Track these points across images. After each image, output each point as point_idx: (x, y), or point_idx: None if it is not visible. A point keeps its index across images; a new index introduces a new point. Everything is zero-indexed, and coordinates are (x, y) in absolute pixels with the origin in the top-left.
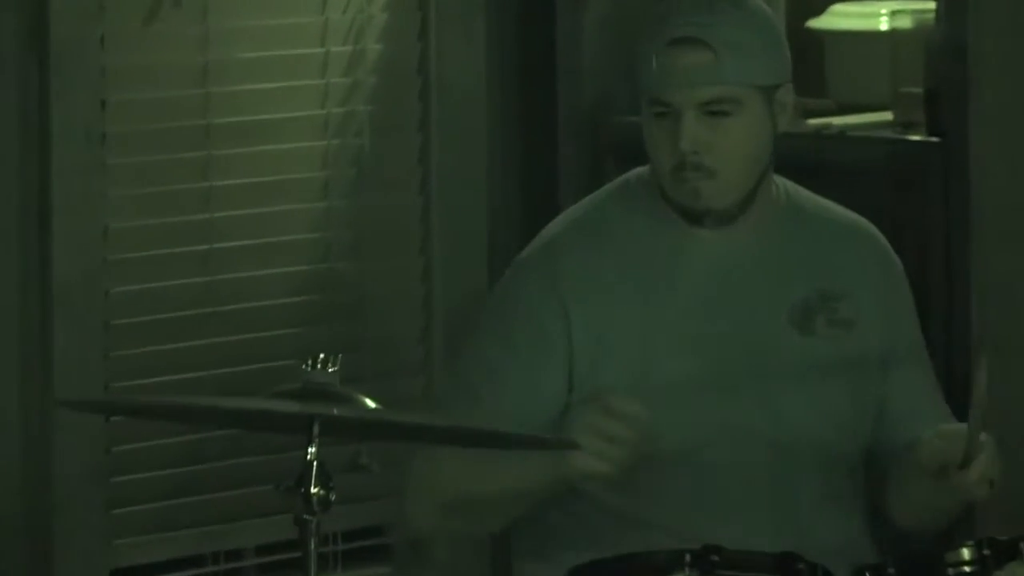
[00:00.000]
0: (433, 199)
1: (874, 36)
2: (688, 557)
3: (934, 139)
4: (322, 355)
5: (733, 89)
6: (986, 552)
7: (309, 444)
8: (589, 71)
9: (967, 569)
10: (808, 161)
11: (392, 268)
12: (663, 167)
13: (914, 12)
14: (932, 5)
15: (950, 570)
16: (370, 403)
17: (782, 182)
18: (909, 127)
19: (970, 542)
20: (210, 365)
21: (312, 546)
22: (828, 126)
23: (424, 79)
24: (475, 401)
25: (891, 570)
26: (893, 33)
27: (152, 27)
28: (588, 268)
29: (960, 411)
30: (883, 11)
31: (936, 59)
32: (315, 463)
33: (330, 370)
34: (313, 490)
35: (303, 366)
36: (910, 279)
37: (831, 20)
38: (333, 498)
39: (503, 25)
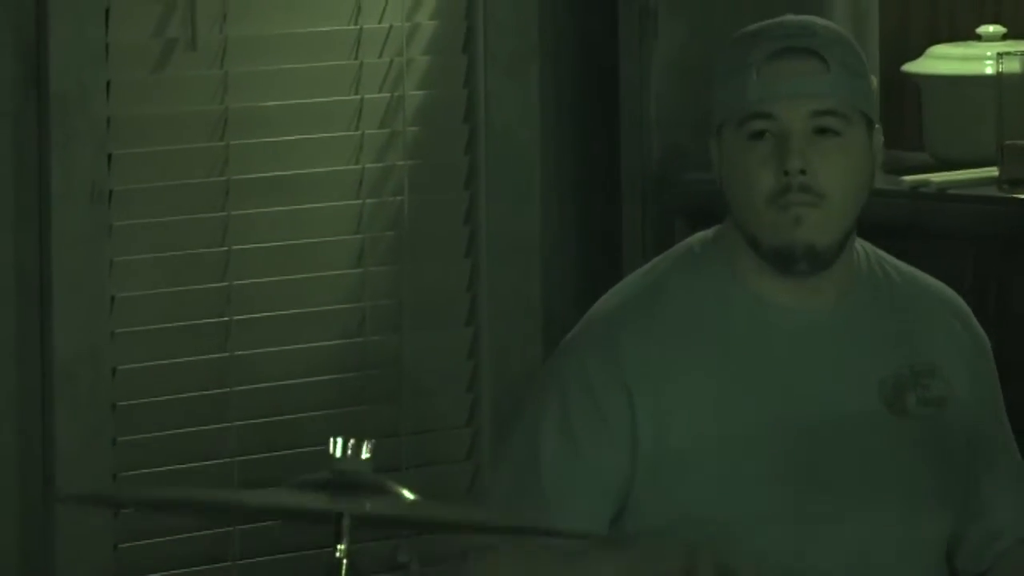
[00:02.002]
0: (481, 264)
1: (978, 81)
2: None
3: None
4: (353, 440)
5: (844, 105)
6: None
7: (338, 541)
8: (656, 122)
9: None
10: (903, 222)
11: (435, 342)
12: (758, 197)
13: (1023, 54)
14: None
15: None
16: (408, 495)
17: (863, 245)
18: (1016, 184)
19: None
20: (229, 452)
21: None
22: (926, 183)
23: (471, 130)
24: (531, 494)
25: None
26: (999, 78)
27: (163, 73)
28: (652, 348)
29: None
30: (988, 53)
31: None
32: (344, 562)
33: (363, 457)
34: None
35: (331, 452)
36: (1015, 352)
37: (929, 64)
38: None
39: (559, 70)
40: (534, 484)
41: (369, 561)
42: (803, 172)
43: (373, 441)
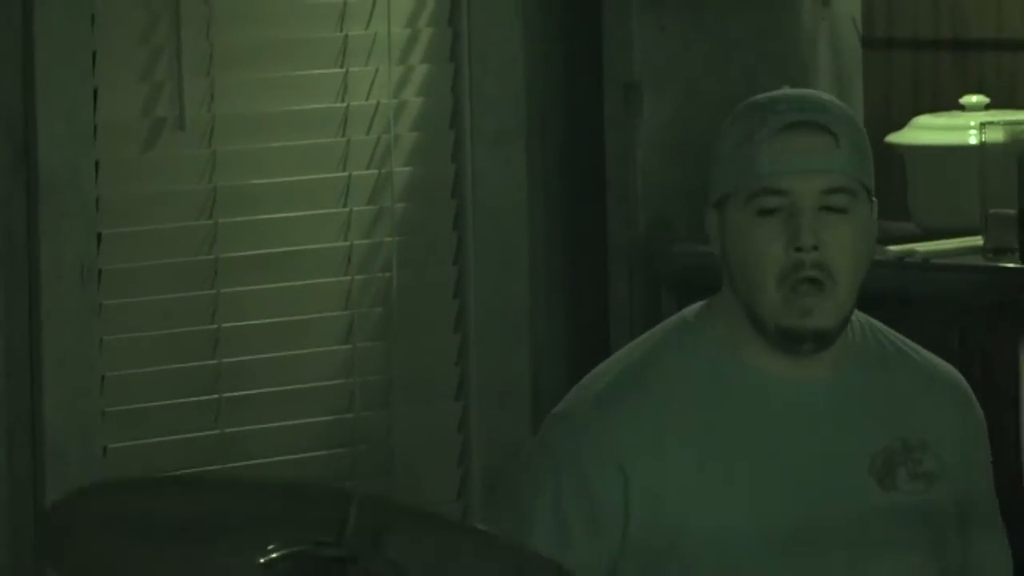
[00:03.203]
0: (470, 339)
1: (961, 151)
2: None
3: None
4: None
5: (851, 181)
6: None
7: None
8: (641, 196)
9: None
10: (889, 292)
11: (425, 417)
12: (768, 274)
13: (1006, 124)
14: None
15: None
16: None
17: (858, 316)
18: (1001, 253)
19: None
20: None
21: None
22: (912, 253)
23: (459, 205)
24: None
25: None
26: (983, 148)
27: (152, 153)
28: (645, 427)
29: None
30: (971, 123)
31: None
32: None
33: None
34: None
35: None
36: (1005, 422)
37: (913, 134)
38: None
39: (546, 145)
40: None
41: None
42: (815, 248)
43: None
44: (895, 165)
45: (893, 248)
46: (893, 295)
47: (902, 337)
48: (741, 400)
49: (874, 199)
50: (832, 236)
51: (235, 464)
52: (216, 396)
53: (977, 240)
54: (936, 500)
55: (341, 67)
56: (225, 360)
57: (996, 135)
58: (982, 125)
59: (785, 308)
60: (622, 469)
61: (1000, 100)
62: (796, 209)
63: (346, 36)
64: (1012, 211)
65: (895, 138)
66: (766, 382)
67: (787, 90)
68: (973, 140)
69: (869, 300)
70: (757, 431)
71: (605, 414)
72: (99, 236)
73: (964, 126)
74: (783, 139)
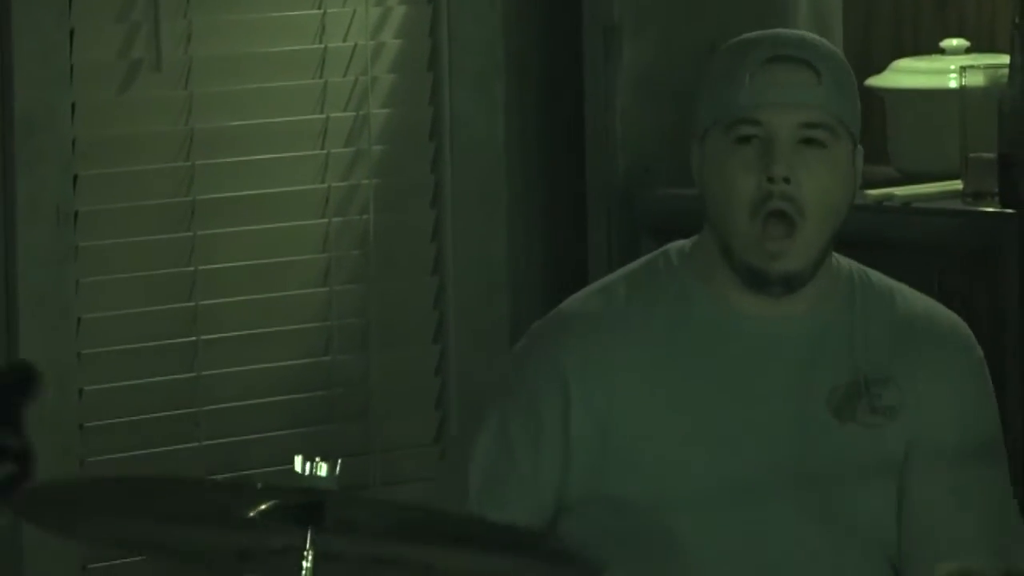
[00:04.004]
0: (448, 282)
1: (942, 95)
2: None
3: (1008, 211)
4: (318, 458)
5: (832, 119)
6: None
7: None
8: (621, 139)
9: None
10: (868, 236)
11: (403, 360)
12: (739, 203)
13: (987, 67)
14: (1008, 59)
15: None
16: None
17: (850, 263)
18: (981, 197)
19: None
20: (197, 471)
21: None
22: (890, 197)
23: (437, 148)
24: (462, 502)
25: None
26: (963, 91)
27: (128, 94)
28: (595, 344)
29: None
30: (952, 67)
31: (1010, 121)
32: None
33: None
34: None
35: (296, 470)
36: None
37: (894, 78)
38: None
39: (525, 87)
40: (474, 498)
41: None
42: (787, 180)
43: (340, 460)
44: (875, 109)
45: (872, 192)
46: (872, 239)
47: (904, 287)
48: (705, 329)
49: (860, 146)
50: (806, 171)
51: (212, 407)
52: (193, 339)
53: (957, 184)
54: (896, 436)
55: (319, 8)
56: (202, 303)
57: (976, 79)
58: (962, 69)
59: (754, 248)
60: (565, 383)
61: (981, 43)
62: (772, 140)
63: None
64: (992, 155)
65: (875, 81)
66: (735, 318)
67: (777, 30)
68: (953, 84)
69: (848, 244)
70: (713, 358)
71: (557, 335)
72: (75, 178)
73: (944, 70)
74: (764, 71)
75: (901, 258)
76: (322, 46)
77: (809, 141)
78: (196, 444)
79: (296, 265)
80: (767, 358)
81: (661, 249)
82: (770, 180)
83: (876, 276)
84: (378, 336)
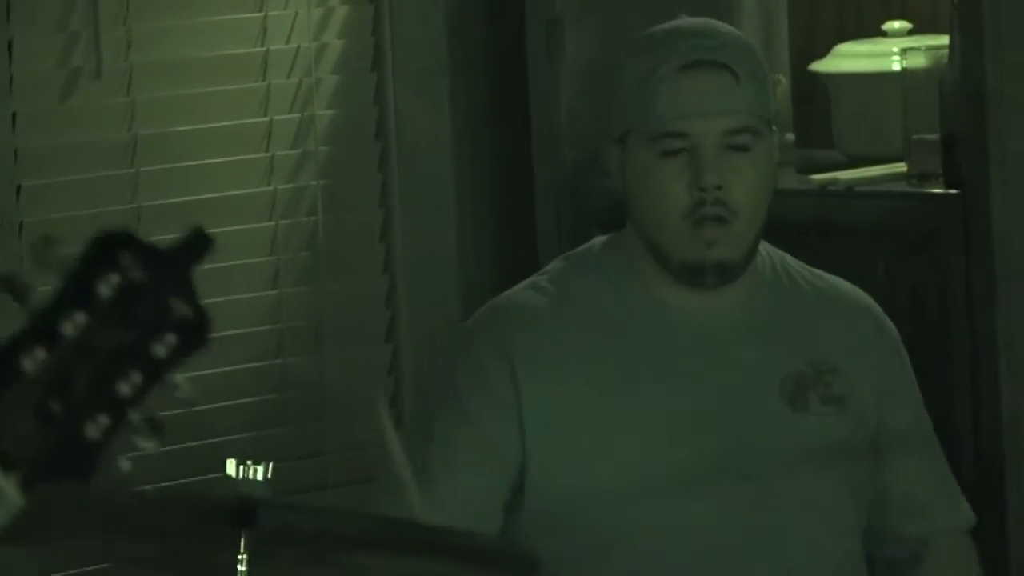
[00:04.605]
0: (398, 281)
1: (884, 78)
2: None
3: (952, 191)
4: (250, 461)
5: (753, 119)
6: None
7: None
8: (567, 132)
9: None
10: (813, 221)
11: (355, 360)
12: (671, 214)
13: (928, 49)
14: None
15: None
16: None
17: (767, 248)
18: (925, 179)
19: None
20: (150, 478)
21: None
22: (834, 181)
23: (383, 147)
24: (419, 463)
25: None
26: (905, 74)
27: (69, 103)
28: (545, 339)
29: (991, 499)
30: (894, 49)
31: (952, 102)
32: None
33: (260, 478)
34: None
35: (229, 475)
36: (931, 348)
37: (836, 62)
38: None
39: (470, 83)
40: (424, 459)
41: None
42: (718, 188)
43: (271, 463)
44: (819, 94)
45: (816, 177)
46: (817, 224)
47: (812, 268)
48: (644, 324)
49: (774, 128)
50: (735, 175)
51: (164, 414)
52: None
53: (901, 166)
54: (846, 425)
55: (260, 11)
56: None
57: (918, 60)
58: (904, 51)
59: (689, 242)
60: (516, 377)
61: (923, 25)
62: (699, 150)
63: None
64: (935, 136)
65: (818, 66)
66: (670, 313)
67: (684, 20)
68: (896, 66)
69: (793, 230)
70: (659, 352)
71: (501, 326)
72: (19, 188)
73: (886, 52)
74: (683, 79)
75: (847, 242)
76: (264, 49)
77: (734, 147)
78: (149, 452)
79: (245, 268)
80: (711, 350)
81: (586, 246)
82: (701, 189)
83: (796, 262)
84: (330, 337)
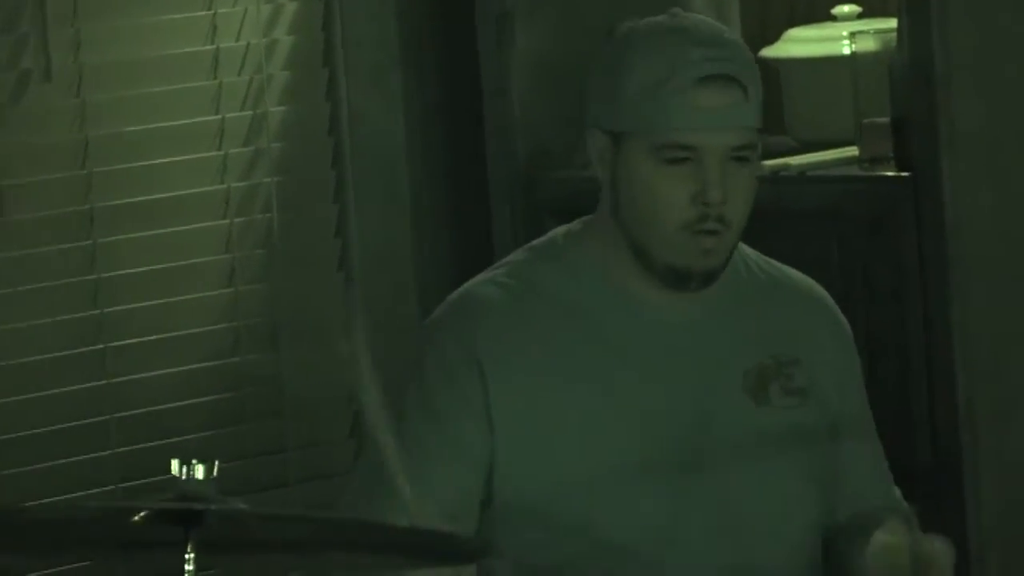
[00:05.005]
0: (355, 276)
1: (834, 62)
2: None
3: (904, 174)
4: (194, 460)
5: (756, 134)
6: None
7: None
8: (520, 124)
9: None
10: (766, 206)
11: (313, 357)
12: (670, 222)
13: (877, 32)
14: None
15: None
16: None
17: None
18: (876, 162)
19: None
20: (106, 480)
21: None
22: (786, 166)
23: (336, 142)
24: (394, 470)
25: None
26: (855, 58)
27: (20, 106)
28: (510, 332)
29: (947, 483)
30: (844, 33)
31: (902, 85)
32: None
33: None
34: None
35: (174, 474)
36: (885, 330)
37: (787, 47)
38: None
39: (422, 78)
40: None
41: None
42: (723, 203)
43: (215, 462)
44: (770, 79)
45: (768, 163)
46: (770, 210)
47: (771, 260)
48: (611, 317)
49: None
50: (735, 186)
51: (122, 414)
52: (100, 346)
53: (853, 150)
54: (809, 416)
55: (209, 9)
56: (107, 310)
57: (867, 44)
58: (853, 35)
59: (684, 250)
60: (482, 371)
61: (872, 8)
62: (705, 163)
63: None
64: (886, 120)
65: (769, 52)
66: (635, 306)
67: (688, 19)
68: (846, 50)
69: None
70: (625, 346)
71: (468, 319)
72: None
73: (836, 37)
74: (696, 92)
75: (800, 227)
76: (215, 47)
77: (737, 159)
78: (109, 451)
79: (200, 267)
80: (674, 346)
81: (548, 236)
82: (706, 204)
83: (755, 255)
84: (287, 334)
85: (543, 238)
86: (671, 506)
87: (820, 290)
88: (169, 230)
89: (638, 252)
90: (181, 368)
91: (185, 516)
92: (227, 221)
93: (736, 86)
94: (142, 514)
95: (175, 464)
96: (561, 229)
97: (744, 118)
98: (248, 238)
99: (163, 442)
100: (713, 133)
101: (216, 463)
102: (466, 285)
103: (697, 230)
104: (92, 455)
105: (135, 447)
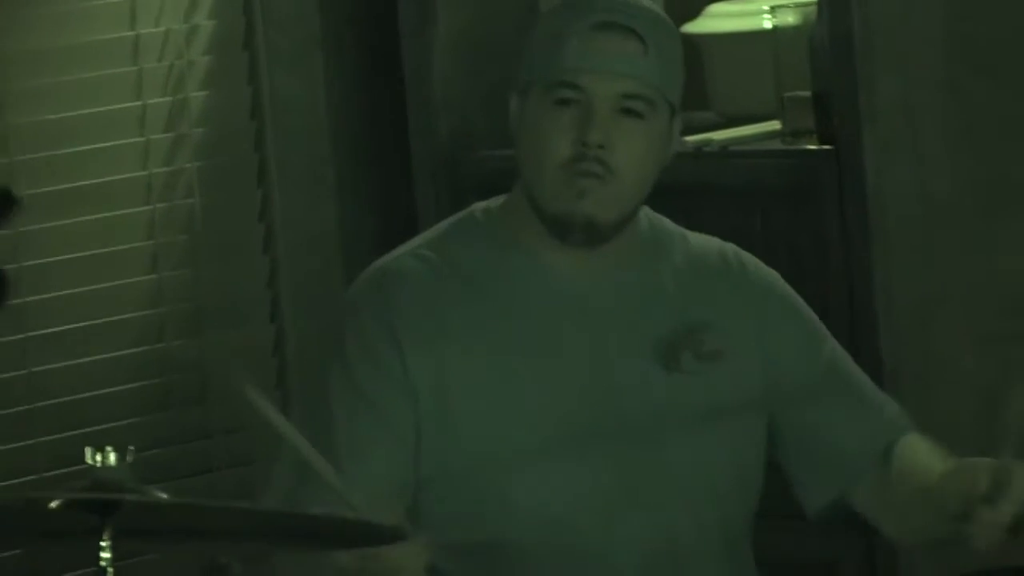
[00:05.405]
0: (280, 260)
1: (755, 37)
2: None
3: (826, 147)
4: (109, 447)
5: (652, 89)
6: None
7: (101, 550)
8: (442, 104)
9: None
10: (690, 182)
11: (238, 341)
12: (552, 161)
13: (797, 6)
14: None
15: None
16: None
17: (646, 211)
18: (799, 136)
19: None
20: (31, 469)
21: None
22: (708, 142)
23: (259, 126)
24: (325, 452)
25: None
26: (776, 32)
27: None
28: (426, 305)
29: None
30: (764, 8)
31: (822, 58)
32: (109, 572)
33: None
34: None
35: (89, 462)
36: (810, 303)
37: (708, 23)
38: None
39: (343, 59)
40: (328, 442)
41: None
42: (601, 147)
43: (132, 448)
44: (693, 55)
45: (691, 138)
46: (694, 185)
47: (684, 229)
48: (524, 288)
49: (678, 115)
50: (622, 139)
51: (46, 403)
52: (22, 336)
53: (775, 125)
54: (724, 382)
55: None
56: (29, 299)
57: (787, 18)
58: (773, 9)
59: (561, 191)
60: (400, 347)
61: None
62: (590, 107)
63: None
64: (807, 93)
65: (690, 28)
66: (550, 276)
67: None
68: (767, 24)
69: (670, 192)
70: (539, 317)
71: (386, 295)
72: None
73: (757, 11)
74: (592, 36)
75: (724, 202)
76: (134, 33)
77: (627, 111)
78: (33, 441)
79: (123, 254)
80: (586, 313)
81: (467, 211)
82: (584, 144)
83: (669, 223)
84: (212, 319)
85: (462, 213)
86: (588, 476)
87: (744, 257)
88: (91, 217)
89: (533, 206)
90: (105, 356)
91: (99, 505)
92: (150, 207)
93: (635, 39)
94: (55, 503)
95: (88, 452)
96: (480, 204)
97: (637, 69)
98: (171, 224)
99: (88, 430)
100: (603, 77)
101: (130, 449)
102: (383, 259)
103: (575, 171)
104: (15, 444)
105: (59, 436)
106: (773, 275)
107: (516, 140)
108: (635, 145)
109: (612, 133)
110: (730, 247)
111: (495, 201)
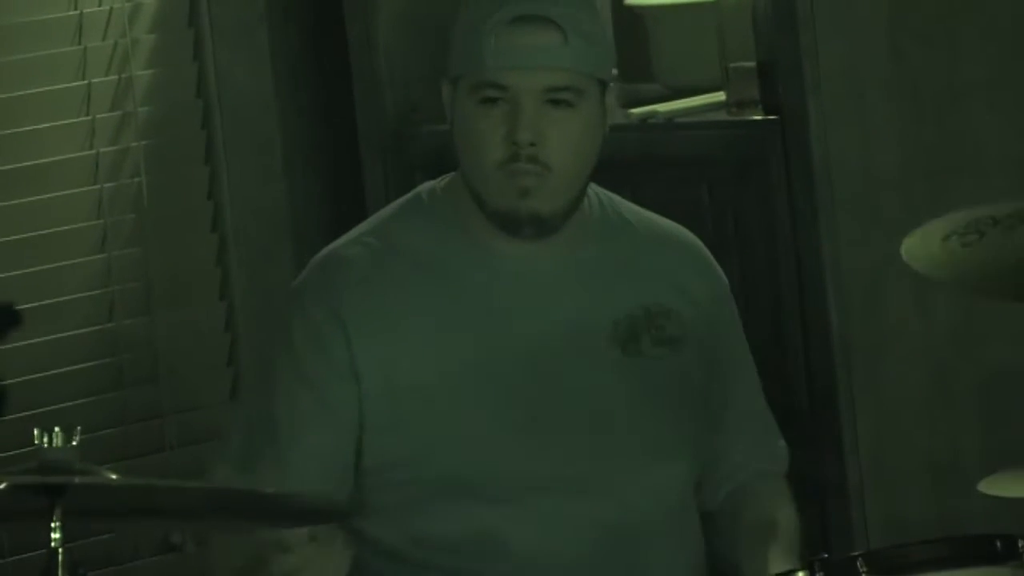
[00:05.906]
0: (229, 237)
1: (699, 8)
2: None
3: (771, 117)
4: (57, 428)
5: (578, 77)
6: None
7: (52, 531)
8: (387, 79)
9: None
10: (635, 154)
11: (189, 320)
12: (487, 162)
13: None
14: None
15: None
16: (114, 477)
17: (598, 192)
18: (744, 106)
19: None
20: None
21: None
22: (653, 114)
23: (205, 104)
24: (266, 433)
25: None
26: (719, 2)
27: None
28: (373, 291)
29: (824, 421)
30: None
31: (765, 28)
32: (60, 551)
33: (68, 445)
34: None
35: (37, 442)
36: (759, 277)
37: None
38: None
39: (288, 36)
40: (268, 421)
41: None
42: (532, 144)
43: (79, 428)
44: (637, 27)
45: (636, 111)
46: (638, 158)
47: (644, 210)
48: (472, 273)
49: (611, 84)
50: (554, 131)
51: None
52: None
53: (720, 96)
54: (681, 366)
55: None
56: None
57: None
58: None
59: (503, 191)
60: (346, 331)
61: None
62: (517, 104)
63: None
64: (751, 64)
65: (635, 0)
66: (499, 261)
67: None
68: None
69: (616, 165)
70: (488, 301)
71: (331, 280)
72: None
73: None
74: (509, 32)
75: (670, 174)
76: (78, 12)
77: (556, 102)
78: None
79: (71, 234)
80: (539, 299)
81: (413, 192)
82: (516, 144)
83: (621, 202)
84: (162, 298)
85: (408, 195)
86: (542, 458)
87: (692, 238)
88: (38, 197)
89: (475, 199)
90: (55, 336)
91: (47, 487)
92: (97, 187)
93: (554, 28)
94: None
95: (36, 432)
96: (427, 185)
97: (559, 59)
98: (119, 203)
99: (39, 411)
100: (524, 73)
101: (78, 429)
102: (330, 246)
103: (512, 171)
104: None
105: (9, 417)
106: (723, 275)
107: (452, 131)
108: (568, 135)
109: (543, 128)
110: (691, 235)
111: (440, 182)
